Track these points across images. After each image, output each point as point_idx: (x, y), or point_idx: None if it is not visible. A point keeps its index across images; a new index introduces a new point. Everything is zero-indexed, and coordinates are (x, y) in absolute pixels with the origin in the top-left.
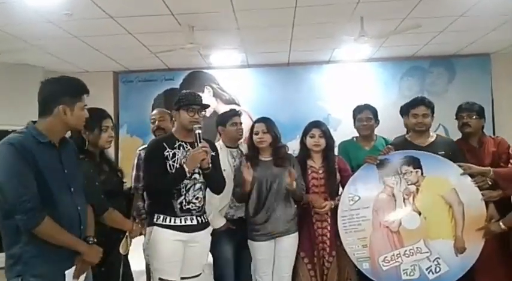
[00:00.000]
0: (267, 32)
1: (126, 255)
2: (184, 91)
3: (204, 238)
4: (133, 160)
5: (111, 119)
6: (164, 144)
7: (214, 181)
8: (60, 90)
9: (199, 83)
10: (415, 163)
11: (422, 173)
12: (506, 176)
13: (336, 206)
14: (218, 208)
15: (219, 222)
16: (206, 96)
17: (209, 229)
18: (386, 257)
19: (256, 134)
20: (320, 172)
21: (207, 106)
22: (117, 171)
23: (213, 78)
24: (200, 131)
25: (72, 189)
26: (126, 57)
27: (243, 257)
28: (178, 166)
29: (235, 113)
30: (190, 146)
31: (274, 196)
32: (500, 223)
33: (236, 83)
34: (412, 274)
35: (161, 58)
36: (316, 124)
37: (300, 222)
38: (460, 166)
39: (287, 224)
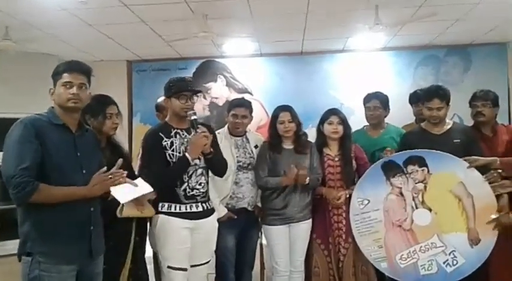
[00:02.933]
0: (281, 21)
1: (142, 239)
2: (174, 77)
3: (210, 224)
4: (139, 149)
5: (117, 106)
6: (160, 134)
7: (216, 164)
8: (51, 76)
9: (212, 72)
10: (421, 162)
11: (428, 171)
12: (511, 165)
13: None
14: (219, 198)
15: (220, 212)
16: (219, 86)
17: (215, 216)
18: (402, 255)
19: (282, 123)
20: (336, 159)
21: (199, 91)
22: (124, 156)
23: (226, 68)
24: (195, 117)
25: (84, 171)
26: (140, 46)
27: (246, 247)
28: (178, 154)
29: (239, 104)
30: (186, 132)
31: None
32: (510, 215)
33: (249, 72)
34: (430, 268)
35: (174, 47)
36: (334, 111)
37: (315, 209)
38: (465, 160)
39: (303, 211)
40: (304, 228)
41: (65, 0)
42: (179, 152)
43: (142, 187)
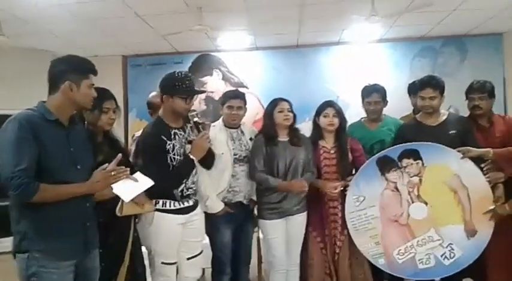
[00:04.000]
0: (275, 13)
1: (138, 235)
2: (176, 74)
3: (199, 216)
4: (131, 146)
5: (115, 101)
6: (163, 137)
7: (208, 158)
8: (68, 67)
9: (208, 66)
10: (415, 155)
11: (423, 164)
12: (504, 157)
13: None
14: (216, 192)
15: (217, 206)
16: (215, 79)
17: (200, 205)
18: (400, 250)
19: (282, 111)
20: (332, 152)
21: (204, 91)
22: (122, 152)
23: (221, 61)
24: (197, 119)
25: (78, 166)
26: (135, 41)
27: (242, 241)
28: (178, 157)
29: (234, 95)
30: (182, 131)
31: (292, 174)
32: (506, 206)
33: (245, 65)
34: (427, 262)
35: (169, 41)
36: (330, 103)
37: (311, 202)
38: (458, 151)
39: (299, 204)
40: (300, 221)
41: None
42: (179, 156)
43: (143, 182)
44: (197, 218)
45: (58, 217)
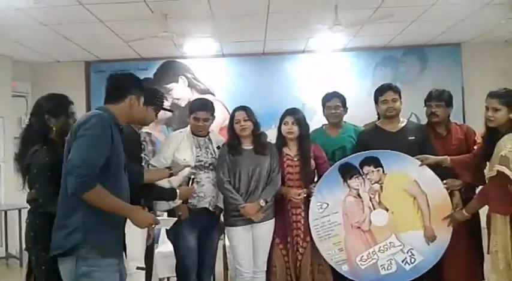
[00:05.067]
0: (242, 21)
1: None
2: (160, 90)
3: None
4: None
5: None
6: (140, 136)
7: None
8: (133, 83)
9: (174, 73)
10: (375, 162)
11: (383, 171)
12: (461, 164)
13: (310, 195)
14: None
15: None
16: (181, 86)
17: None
18: (362, 256)
19: (238, 122)
20: (295, 159)
21: (172, 111)
22: None
23: (187, 68)
24: (194, 177)
25: (126, 173)
26: (98, 47)
27: (206, 247)
28: (146, 158)
29: (201, 107)
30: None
31: (256, 183)
32: (464, 211)
33: (211, 72)
34: (389, 268)
35: (134, 47)
36: (291, 112)
37: (275, 209)
38: (417, 158)
39: (265, 211)
40: (266, 228)
41: (18, 0)
42: (147, 156)
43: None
44: None
45: (111, 215)
